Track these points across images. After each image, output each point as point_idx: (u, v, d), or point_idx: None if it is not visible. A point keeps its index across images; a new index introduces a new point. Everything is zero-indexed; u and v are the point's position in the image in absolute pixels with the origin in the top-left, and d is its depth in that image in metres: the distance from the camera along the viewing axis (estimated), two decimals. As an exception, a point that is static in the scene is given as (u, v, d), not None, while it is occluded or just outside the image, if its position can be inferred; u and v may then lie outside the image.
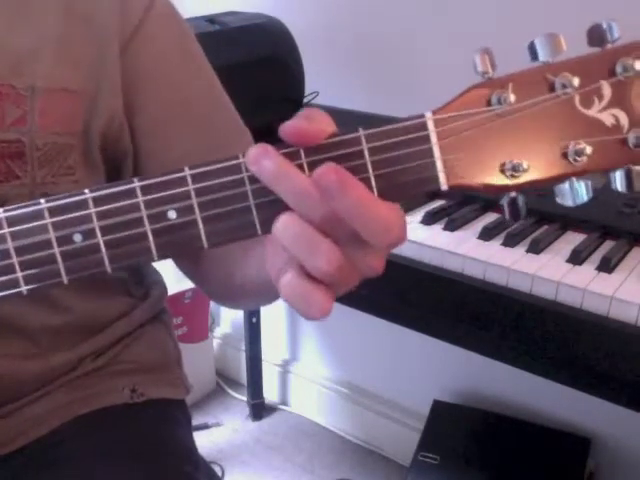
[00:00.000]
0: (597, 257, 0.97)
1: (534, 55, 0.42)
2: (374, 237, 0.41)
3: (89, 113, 0.68)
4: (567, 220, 1.08)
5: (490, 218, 1.12)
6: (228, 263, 0.67)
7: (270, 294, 0.63)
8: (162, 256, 0.43)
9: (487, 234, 1.05)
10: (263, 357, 2.02)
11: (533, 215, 1.10)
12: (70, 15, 0.66)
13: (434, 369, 1.73)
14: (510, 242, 1.02)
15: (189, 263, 0.76)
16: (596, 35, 0.42)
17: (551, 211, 1.07)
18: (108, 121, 0.69)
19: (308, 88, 1.51)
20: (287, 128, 0.42)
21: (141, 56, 0.69)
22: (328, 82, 1.58)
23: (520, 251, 1.00)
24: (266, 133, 1.48)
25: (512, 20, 1.36)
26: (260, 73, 1.41)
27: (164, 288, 0.88)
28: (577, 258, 0.97)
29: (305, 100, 1.52)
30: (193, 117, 0.72)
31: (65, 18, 0.66)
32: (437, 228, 1.10)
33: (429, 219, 1.11)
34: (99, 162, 0.71)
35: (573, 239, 1.04)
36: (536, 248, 1.00)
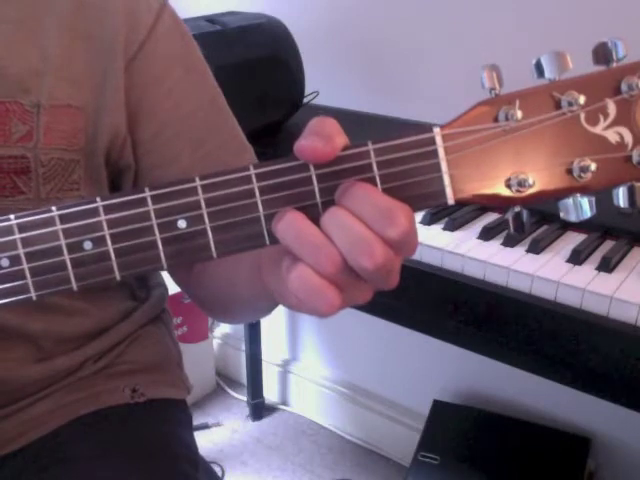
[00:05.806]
0: (597, 257, 0.97)
1: (540, 72, 0.43)
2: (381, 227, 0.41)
3: (93, 129, 0.68)
4: (567, 220, 1.08)
5: (490, 218, 1.12)
6: (220, 275, 0.67)
7: (262, 306, 0.63)
8: (171, 265, 0.44)
9: (487, 234, 1.05)
10: (263, 357, 2.02)
11: (533, 215, 1.10)
12: (73, 34, 0.67)
13: (434, 369, 1.73)
14: (510, 242, 1.02)
15: (182, 275, 0.76)
16: (602, 53, 0.42)
17: (551, 211, 1.07)
18: (113, 136, 0.69)
19: (308, 88, 1.51)
20: (301, 147, 0.42)
21: (145, 71, 0.70)
22: (328, 82, 1.58)
23: (520, 251, 1.01)
24: (266, 133, 1.48)
25: (513, 23, 1.36)
26: (260, 73, 1.41)
27: (165, 289, 0.88)
28: (577, 258, 0.97)
29: (305, 100, 1.52)
30: (192, 134, 0.72)
31: (68, 37, 0.66)
32: (437, 228, 1.10)
33: (429, 219, 1.11)
34: (103, 177, 0.72)
35: (573, 239, 1.04)
36: (536, 248, 1.00)
